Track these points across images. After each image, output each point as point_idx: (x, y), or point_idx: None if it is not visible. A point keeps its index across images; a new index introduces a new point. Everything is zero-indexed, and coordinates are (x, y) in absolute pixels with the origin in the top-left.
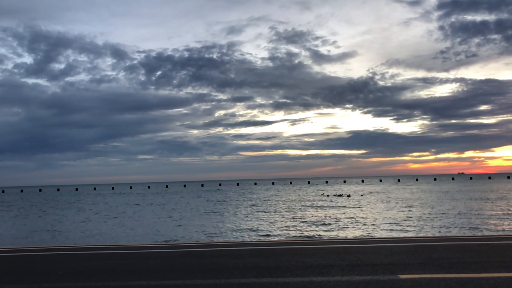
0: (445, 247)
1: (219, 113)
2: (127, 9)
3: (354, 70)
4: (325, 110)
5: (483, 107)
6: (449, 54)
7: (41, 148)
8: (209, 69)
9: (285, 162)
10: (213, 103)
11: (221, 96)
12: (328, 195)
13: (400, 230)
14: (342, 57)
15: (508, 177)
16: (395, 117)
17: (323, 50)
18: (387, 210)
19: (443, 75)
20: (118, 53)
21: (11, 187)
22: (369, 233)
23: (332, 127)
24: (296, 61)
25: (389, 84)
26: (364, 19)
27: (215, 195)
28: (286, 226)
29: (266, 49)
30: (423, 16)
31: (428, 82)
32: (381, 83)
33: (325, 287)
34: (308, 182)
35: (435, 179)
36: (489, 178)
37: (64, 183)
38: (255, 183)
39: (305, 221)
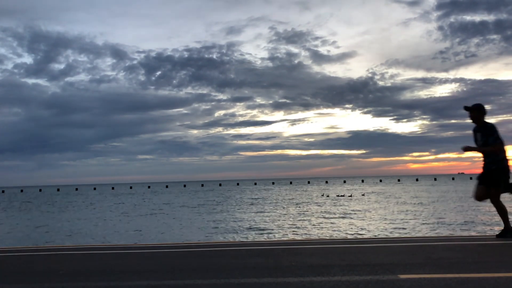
0: (445, 247)
1: (219, 113)
2: (126, 10)
3: (353, 70)
4: (324, 110)
5: None
6: (448, 54)
7: (41, 148)
8: (209, 69)
9: (285, 162)
10: (213, 103)
11: (221, 96)
12: (328, 196)
13: (400, 229)
14: (341, 57)
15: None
16: (395, 117)
17: (323, 50)
18: (387, 210)
19: (442, 75)
20: (117, 53)
21: (11, 187)
22: (369, 233)
23: (332, 127)
24: (296, 61)
25: (389, 84)
26: (363, 19)
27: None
28: (287, 227)
29: (266, 49)
30: (422, 17)
31: (427, 82)
32: (380, 83)
33: (325, 287)
34: (308, 182)
35: (435, 179)
36: None
37: (64, 183)
38: (255, 183)
39: (306, 221)
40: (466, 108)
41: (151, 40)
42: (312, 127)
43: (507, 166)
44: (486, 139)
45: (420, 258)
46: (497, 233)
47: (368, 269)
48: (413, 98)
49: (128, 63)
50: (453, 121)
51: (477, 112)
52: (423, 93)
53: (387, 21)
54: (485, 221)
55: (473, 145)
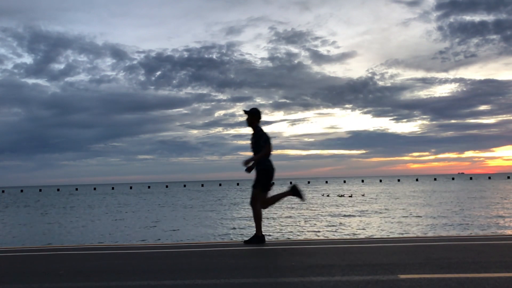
0: (445, 247)
1: (219, 113)
2: (126, 10)
3: (353, 70)
4: (324, 110)
5: (483, 107)
6: (448, 54)
7: (41, 148)
8: (209, 69)
9: (285, 162)
10: (212, 103)
11: (221, 96)
12: (328, 195)
13: (400, 229)
14: (341, 57)
15: (508, 177)
16: (395, 117)
17: (323, 50)
18: (387, 210)
19: (442, 75)
20: (117, 53)
21: (11, 187)
22: (369, 233)
23: (332, 127)
24: (296, 61)
25: (389, 84)
26: (363, 19)
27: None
28: (287, 226)
29: (266, 49)
30: (422, 17)
31: (427, 82)
32: (380, 83)
33: (325, 287)
34: (308, 182)
35: (435, 179)
36: (489, 178)
37: (64, 183)
38: None
39: (306, 221)
40: (244, 111)
41: (151, 40)
42: (312, 127)
43: (271, 168)
44: (256, 142)
45: (420, 258)
46: (246, 239)
47: (368, 269)
48: (413, 98)
49: (128, 63)
50: (453, 121)
51: (251, 116)
52: (423, 93)
53: (387, 21)
54: (485, 221)
55: (474, 145)
